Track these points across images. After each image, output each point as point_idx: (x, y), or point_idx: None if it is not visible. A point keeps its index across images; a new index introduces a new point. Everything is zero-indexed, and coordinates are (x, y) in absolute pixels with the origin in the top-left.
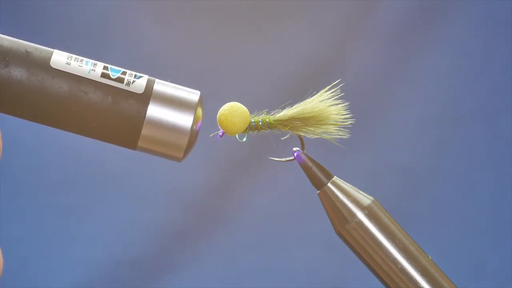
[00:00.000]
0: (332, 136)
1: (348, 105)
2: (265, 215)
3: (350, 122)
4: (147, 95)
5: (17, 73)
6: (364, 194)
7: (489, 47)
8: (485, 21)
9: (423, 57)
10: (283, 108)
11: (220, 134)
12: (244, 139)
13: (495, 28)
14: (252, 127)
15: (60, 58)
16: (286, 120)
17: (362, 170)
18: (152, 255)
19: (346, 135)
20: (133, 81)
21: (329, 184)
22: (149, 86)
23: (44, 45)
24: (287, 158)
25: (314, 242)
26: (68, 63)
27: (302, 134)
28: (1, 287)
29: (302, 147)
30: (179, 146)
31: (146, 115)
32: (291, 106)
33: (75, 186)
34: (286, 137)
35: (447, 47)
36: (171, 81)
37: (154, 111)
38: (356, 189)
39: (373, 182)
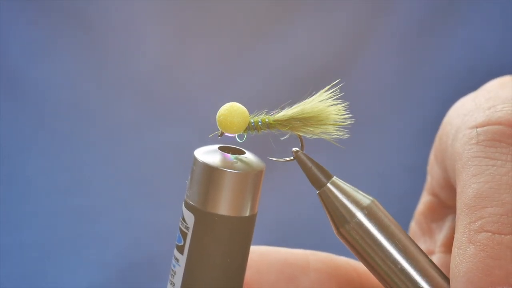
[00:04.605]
0: (331, 136)
1: (357, 105)
2: (265, 215)
3: (349, 122)
4: None
5: None
6: (364, 194)
7: (504, 47)
8: (501, 21)
9: (436, 58)
10: (282, 108)
11: (219, 134)
12: (242, 139)
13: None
14: (251, 127)
15: None
16: (286, 120)
17: (371, 171)
18: (166, 257)
19: (345, 135)
20: None
21: (328, 184)
22: None
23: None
24: (287, 158)
25: (314, 242)
26: None
27: (301, 134)
28: None
29: (302, 147)
30: None
31: None
32: (291, 106)
33: (87, 187)
34: (285, 137)
35: (461, 48)
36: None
37: None
38: (356, 189)
39: (381, 182)
